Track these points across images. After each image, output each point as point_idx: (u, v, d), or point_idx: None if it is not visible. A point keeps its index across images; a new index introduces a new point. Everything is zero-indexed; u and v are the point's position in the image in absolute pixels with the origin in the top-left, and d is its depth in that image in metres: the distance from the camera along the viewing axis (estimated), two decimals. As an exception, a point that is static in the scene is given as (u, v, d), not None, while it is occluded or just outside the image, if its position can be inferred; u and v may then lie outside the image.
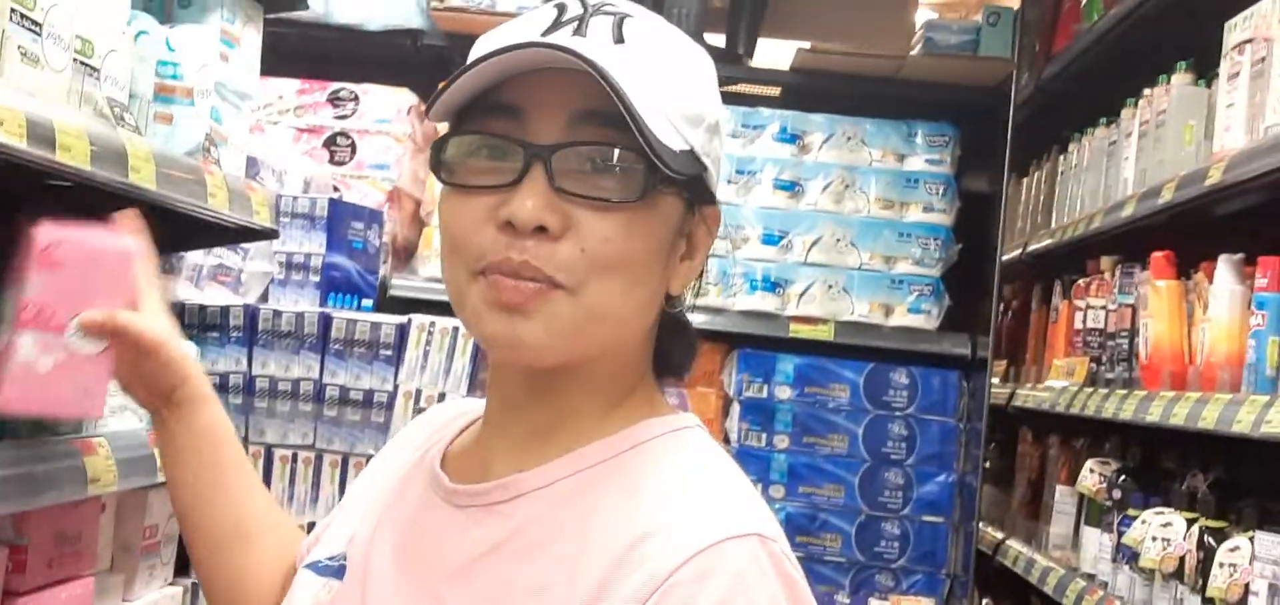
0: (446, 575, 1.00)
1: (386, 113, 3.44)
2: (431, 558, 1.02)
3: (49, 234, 1.21)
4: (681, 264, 1.04)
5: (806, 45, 3.58)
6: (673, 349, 1.09)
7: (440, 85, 0.99)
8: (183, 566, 2.04)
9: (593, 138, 0.97)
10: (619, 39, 0.98)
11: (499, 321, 0.98)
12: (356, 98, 3.45)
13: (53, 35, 1.58)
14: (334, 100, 3.47)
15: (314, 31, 3.47)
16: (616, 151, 0.96)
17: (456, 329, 2.38)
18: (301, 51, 3.31)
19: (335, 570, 1.08)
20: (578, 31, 0.98)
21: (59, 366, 1.20)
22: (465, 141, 1.00)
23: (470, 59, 0.98)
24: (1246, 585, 2.24)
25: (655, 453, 1.01)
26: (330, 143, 3.43)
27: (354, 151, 3.41)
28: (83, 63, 1.67)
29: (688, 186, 1.01)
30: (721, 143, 1.06)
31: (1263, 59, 2.44)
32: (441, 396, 2.35)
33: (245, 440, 2.21)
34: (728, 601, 0.91)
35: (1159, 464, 3.11)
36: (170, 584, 2.05)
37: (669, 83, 0.99)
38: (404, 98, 3.45)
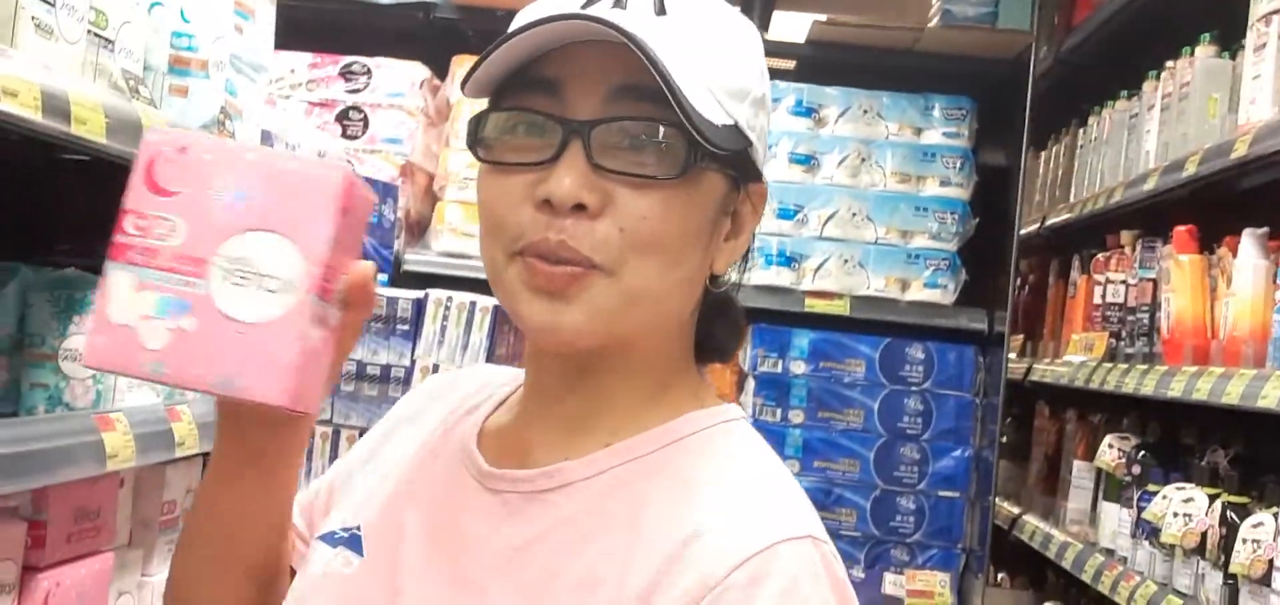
0: (487, 565, 0.97)
1: (399, 86, 3.41)
2: (469, 545, 0.99)
3: (346, 166, 0.93)
4: (726, 243, 1.02)
5: (823, 17, 3.54)
6: (716, 330, 1.06)
7: (475, 59, 0.97)
8: (200, 542, 2.04)
9: (632, 112, 0.94)
10: (660, 10, 0.96)
11: (537, 305, 0.95)
12: (369, 71, 3.42)
13: (67, 6, 1.57)
14: (346, 74, 3.45)
15: (326, 4, 3.45)
16: (660, 128, 0.94)
17: (474, 303, 2.36)
18: (313, 25, 3.28)
19: (349, 540, 1.04)
20: (618, 3, 0.95)
21: (323, 342, 0.92)
22: (502, 118, 0.98)
23: (509, 31, 0.96)
24: (1270, 561, 2.22)
25: (703, 446, 0.99)
26: (342, 117, 3.40)
27: (366, 126, 3.39)
28: (97, 34, 1.65)
29: (732, 163, 0.99)
30: (768, 117, 1.03)
31: (1290, 30, 2.41)
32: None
33: (262, 415, 2.19)
34: None
35: (1178, 439, 3.09)
36: (188, 559, 2.05)
37: (712, 55, 0.97)
38: (417, 71, 3.43)
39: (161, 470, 1.91)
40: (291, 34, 2.60)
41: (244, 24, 2.10)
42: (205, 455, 2.19)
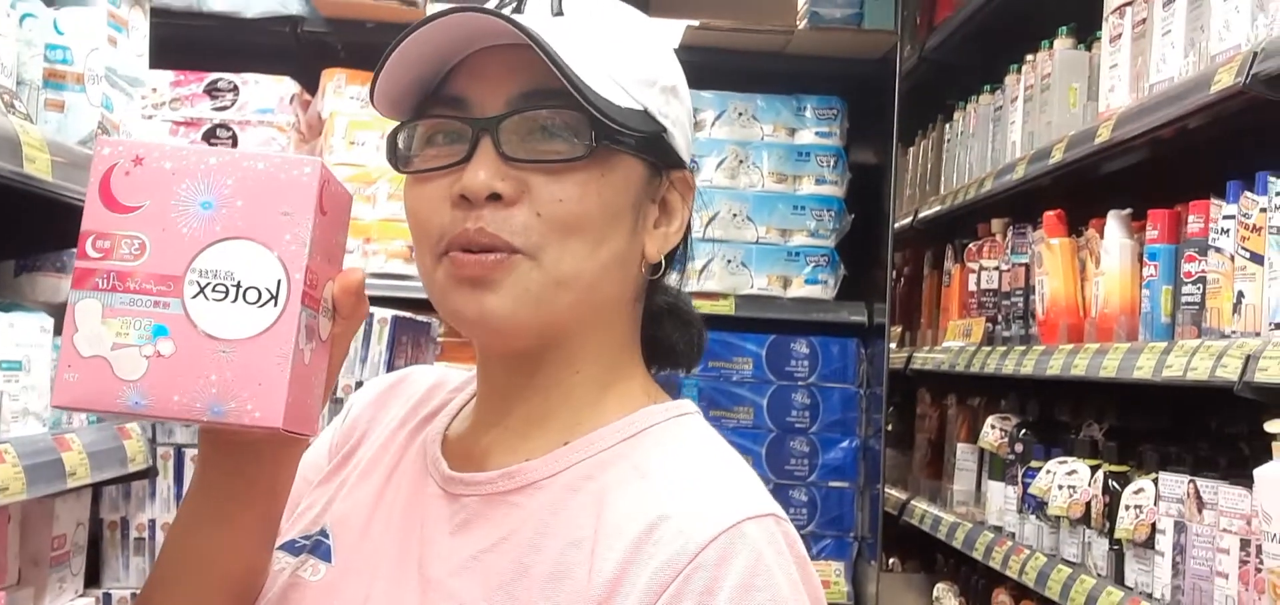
0: (455, 568, 0.97)
1: (268, 102, 3.33)
2: (437, 550, 0.99)
3: (318, 161, 0.87)
4: (656, 230, 1.03)
5: (696, 22, 3.58)
6: (669, 334, 1.07)
7: (380, 60, 0.97)
8: (93, 577, 1.94)
9: (536, 107, 0.97)
10: (557, 11, 0.99)
11: (463, 297, 0.97)
12: (236, 88, 3.32)
13: (-64, 16, 1.48)
14: (212, 91, 3.34)
15: (187, 20, 3.34)
16: (564, 114, 0.96)
17: (371, 314, 2.31)
18: (174, 41, 3.16)
19: (314, 547, 1.03)
20: (517, 8, 0.98)
21: (315, 355, 0.87)
22: (417, 131, 1.00)
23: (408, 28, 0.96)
24: (1153, 524, 2.32)
25: (660, 437, 1.01)
26: (210, 135, 3.30)
27: (235, 143, 3.29)
28: (-32, 46, 1.57)
29: (646, 147, 1.00)
30: (684, 106, 1.05)
31: (1144, 21, 2.54)
32: (357, 384, 2.28)
33: (153, 442, 2.11)
34: (748, 583, 0.91)
35: (1055, 417, 3.21)
36: (80, 596, 1.95)
37: (613, 46, 0.99)
38: (286, 86, 3.34)
39: (50, 504, 1.81)
40: (153, 51, 2.50)
41: (118, 36, 2.03)
42: (96, 486, 2.10)
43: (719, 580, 0.90)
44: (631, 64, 0.99)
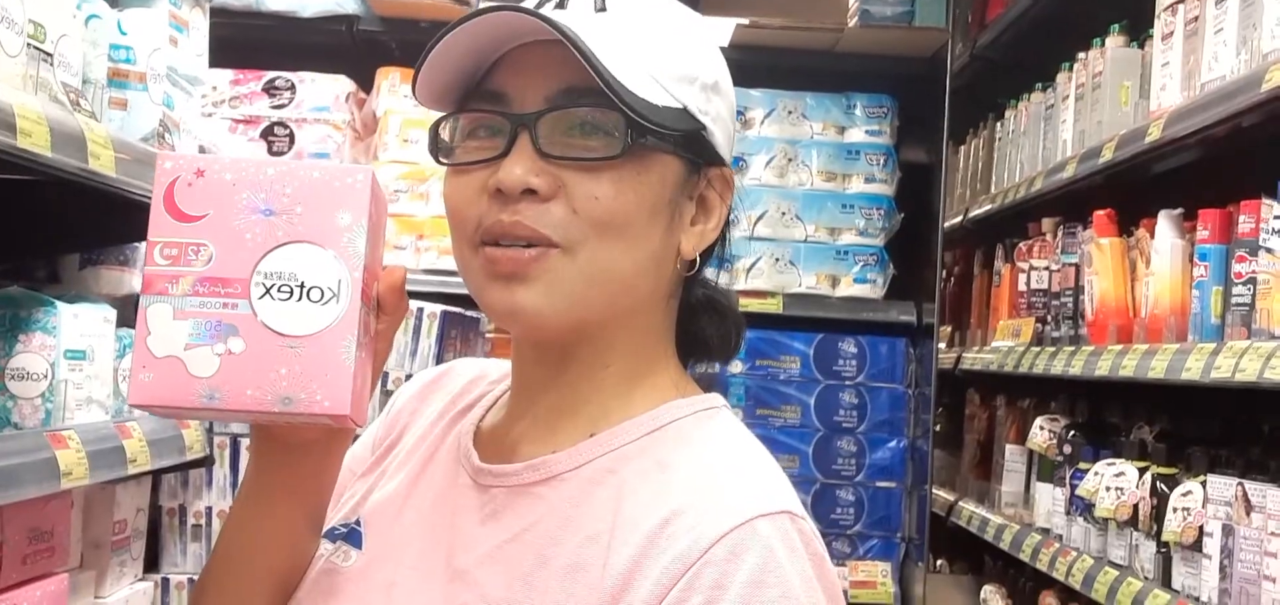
0: (479, 557, 0.99)
1: (324, 100, 3.38)
2: (463, 539, 1.01)
3: (367, 168, 0.93)
4: (693, 227, 1.04)
5: (746, 21, 3.59)
6: (704, 328, 1.08)
7: (424, 52, 0.99)
8: (152, 562, 2.00)
9: (574, 104, 0.98)
10: (601, 7, 1.00)
11: (498, 290, 0.98)
12: (293, 86, 3.39)
13: (6, 19, 1.54)
14: (269, 90, 3.41)
15: (246, 20, 3.40)
16: (599, 112, 0.97)
17: (420, 309, 2.35)
18: (233, 41, 3.22)
19: (347, 535, 1.06)
20: (559, 6, 0.99)
21: (367, 349, 0.92)
22: (459, 124, 1.02)
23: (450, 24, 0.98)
24: (1201, 527, 2.31)
25: (684, 432, 1.02)
26: (268, 133, 3.36)
27: (292, 141, 3.35)
28: (36, 47, 1.62)
29: (684, 145, 1.01)
30: (726, 102, 1.05)
31: (1196, 18, 2.51)
32: (407, 377, 2.32)
33: (210, 431, 2.16)
34: (760, 579, 0.91)
35: (1105, 419, 3.19)
36: (140, 580, 2.01)
37: (654, 43, 1.00)
38: (342, 85, 3.40)
39: (112, 489, 1.87)
40: (212, 51, 2.56)
41: (179, 36, 2.08)
42: (155, 473, 2.16)
43: (729, 575, 0.91)
44: (671, 61, 1.00)
